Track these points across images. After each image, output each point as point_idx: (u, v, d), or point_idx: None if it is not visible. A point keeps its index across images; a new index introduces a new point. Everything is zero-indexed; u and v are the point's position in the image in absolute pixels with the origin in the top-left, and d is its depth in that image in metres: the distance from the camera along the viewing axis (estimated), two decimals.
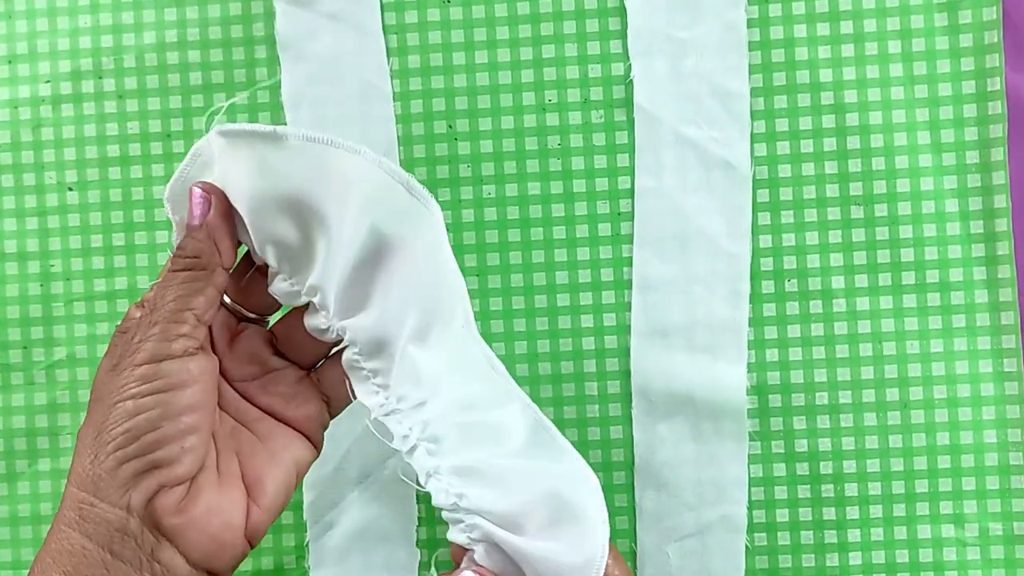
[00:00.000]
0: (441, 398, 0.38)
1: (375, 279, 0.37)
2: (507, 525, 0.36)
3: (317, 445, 0.41)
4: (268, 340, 0.41)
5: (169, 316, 0.36)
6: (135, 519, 0.35)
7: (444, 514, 0.37)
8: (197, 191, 0.37)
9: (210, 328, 0.39)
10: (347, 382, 0.40)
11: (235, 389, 0.40)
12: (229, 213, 0.37)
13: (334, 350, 0.41)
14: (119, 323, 0.37)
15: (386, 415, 0.38)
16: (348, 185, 0.36)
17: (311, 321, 0.39)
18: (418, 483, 0.38)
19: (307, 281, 0.38)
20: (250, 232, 0.37)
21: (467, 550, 0.37)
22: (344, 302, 0.38)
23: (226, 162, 0.37)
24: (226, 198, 0.37)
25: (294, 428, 0.40)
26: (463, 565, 0.37)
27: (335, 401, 0.41)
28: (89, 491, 0.35)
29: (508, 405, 0.39)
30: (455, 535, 0.37)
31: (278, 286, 0.38)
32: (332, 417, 0.41)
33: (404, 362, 0.38)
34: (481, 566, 0.36)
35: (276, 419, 0.40)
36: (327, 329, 0.38)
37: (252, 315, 0.40)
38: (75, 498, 0.35)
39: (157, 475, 0.35)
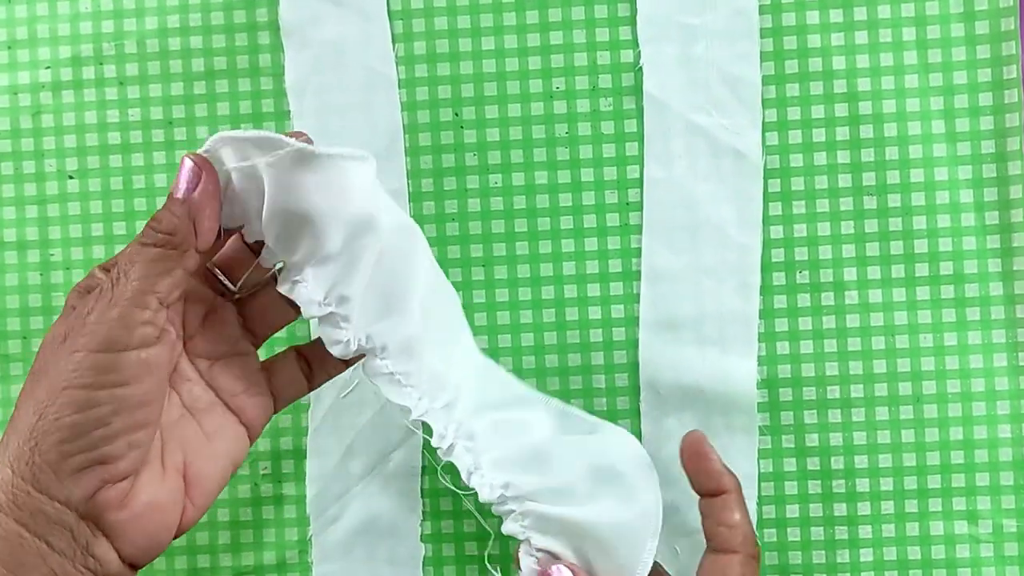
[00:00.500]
0: (465, 399, 0.39)
1: (395, 286, 0.38)
2: (556, 500, 0.37)
3: (253, 441, 0.40)
4: (240, 321, 0.39)
5: (131, 298, 0.33)
6: (72, 512, 0.33)
7: (494, 508, 0.38)
8: (189, 163, 0.35)
9: (185, 302, 0.37)
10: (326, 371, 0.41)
11: (198, 368, 0.38)
12: (216, 194, 0.35)
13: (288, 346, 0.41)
14: (80, 281, 0.36)
15: (423, 414, 0.39)
16: (378, 202, 0.38)
17: (332, 334, 0.38)
18: (429, 474, 0.40)
19: (338, 291, 0.37)
20: (299, 245, 0.36)
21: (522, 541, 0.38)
22: (370, 309, 0.38)
23: (308, 175, 0.35)
24: (216, 177, 0.35)
25: (241, 419, 0.39)
26: (520, 552, 0.38)
27: (280, 401, 0.40)
28: (26, 479, 0.32)
29: (529, 403, 0.40)
30: (509, 526, 0.38)
31: (302, 293, 0.37)
32: (275, 410, 0.40)
33: (427, 366, 0.39)
34: (541, 549, 0.37)
35: (227, 406, 0.38)
36: (347, 341, 0.38)
37: (238, 294, 0.39)
38: (9, 482, 0.33)
39: (100, 471, 0.33)
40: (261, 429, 0.40)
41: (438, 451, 0.39)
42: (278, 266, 0.38)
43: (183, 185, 0.35)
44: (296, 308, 0.39)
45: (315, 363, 0.41)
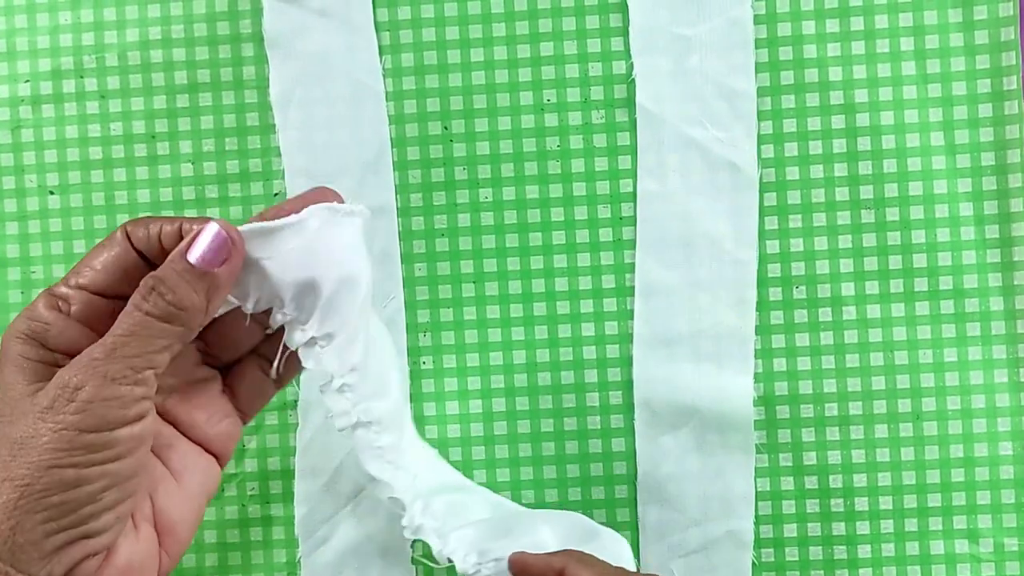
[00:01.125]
0: (424, 477, 0.41)
1: (382, 357, 0.38)
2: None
3: (223, 466, 0.37)
4: (194, 347, 0.36)
5: (129, 375, 0.31)
6: None
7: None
8: (222, 234, 0.32)
9: None
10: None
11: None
12: (236, 274, 0.33)
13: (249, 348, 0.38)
14: (32, 315, 0.32)
15: (402, 493, 0.40)
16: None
17: (338, 405, 0.37)
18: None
19: (349, 360, 0.36)
20: (312, 314, 0.35)
21: None
22: (368, 381, 0.37)
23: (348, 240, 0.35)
24: (243, 257, 0.33)
25: (208, 448, 0.36)
26: None
27: (248, 415, 0.38)
28: (5, 560, 0.30)
29: (470, 490, 0.43)
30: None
31: (326, 362, 0.36)
32: (243, 426, 0.38)
33: (406, 441, 0.40)
34: None
35: (191, 438, 0.36)
36: (350, 413, 0.37)
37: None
38: None
39: (84, 545, 0.31)
40: (231, 454, 0.38)
41: (405, 531, 0.39)
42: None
43: (209, 256, 0.32)
44: (260, 328, 0.37)
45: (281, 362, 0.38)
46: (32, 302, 0.33)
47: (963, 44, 0.47)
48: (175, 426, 0.36)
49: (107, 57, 0.50)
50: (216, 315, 0.35)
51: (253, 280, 0.34)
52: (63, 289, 0.33)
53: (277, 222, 0.33)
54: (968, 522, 0.47)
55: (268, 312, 0.35)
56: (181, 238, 0.33)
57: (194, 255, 0.32)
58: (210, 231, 0.32)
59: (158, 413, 0.35)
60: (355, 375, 0.36)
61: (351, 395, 0.36)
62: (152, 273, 0.32)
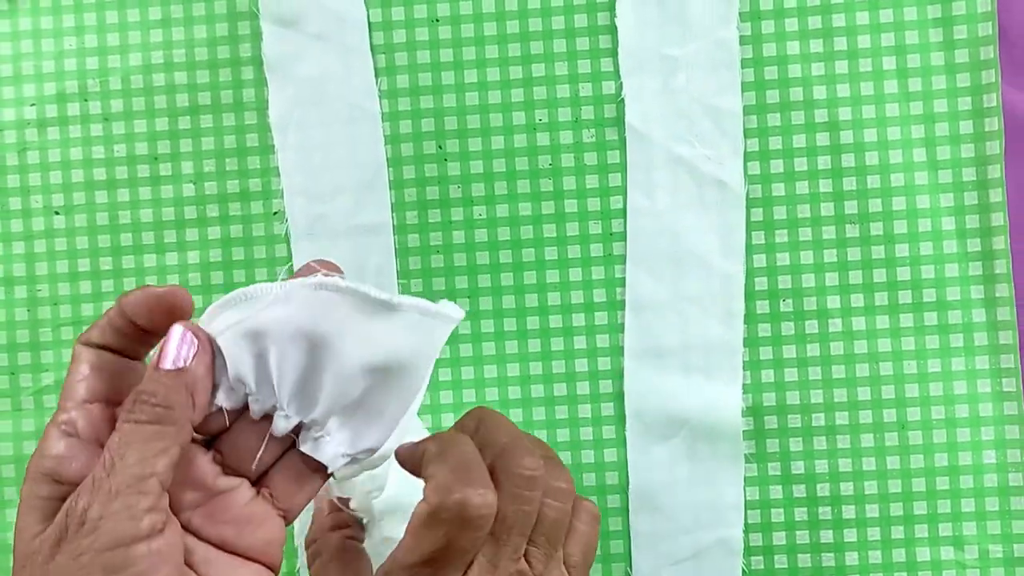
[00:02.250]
0: None
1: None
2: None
3: (276, 568, 0.34)
4: (210, 459, 0.33)
5: (133, 485, 0.29)
6: None
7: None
8: (180, 330, 0.31)
9: None
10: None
11: (179, 522, 0.32)
12: (212, 365, 0.32)
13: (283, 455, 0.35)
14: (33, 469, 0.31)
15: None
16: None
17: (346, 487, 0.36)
18: None
19: (362, 443, 0.34)
20: (317, 399, 0.33)
21: None
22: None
23: (319, 311, 0.32)
24: (210, 347, 0.32)
25: (249, 557, 0.33)
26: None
27: (291, 512, 0.35)
28: None
29: None
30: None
31: (327, 450, 0.34)
32: (288, 525, 0.35)
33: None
34: None
35: (229, 552, 0.33)
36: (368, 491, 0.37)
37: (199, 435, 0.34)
38: None
39: None
40: (278, 556, 0.34)
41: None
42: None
43: (173, 354, 0.31)
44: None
45: None
46: (42, 437, 0.32)
47: (944, 63, 0.48)
48: (206, 541, 0.33)
49: (111, 81, 0.51)
50: (204, 413, 0.33)
51: (216, 367, 0.33)
52: (64, 415, 0.32)
53: (222, 300, 0.32)
54: (953, 529, 0.48)
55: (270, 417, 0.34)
56: (129, 309, 0.33)
57: (166, 362, 0.31)
58: (174, 335, 0.32)
59: (186, 530, 0.33)
60: (370, 460, 0.34)
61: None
62: (135, 389, 0.31)
